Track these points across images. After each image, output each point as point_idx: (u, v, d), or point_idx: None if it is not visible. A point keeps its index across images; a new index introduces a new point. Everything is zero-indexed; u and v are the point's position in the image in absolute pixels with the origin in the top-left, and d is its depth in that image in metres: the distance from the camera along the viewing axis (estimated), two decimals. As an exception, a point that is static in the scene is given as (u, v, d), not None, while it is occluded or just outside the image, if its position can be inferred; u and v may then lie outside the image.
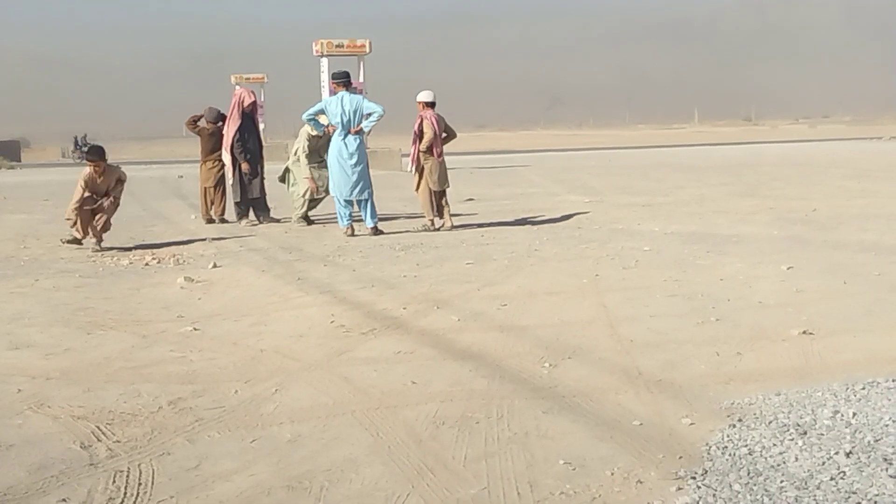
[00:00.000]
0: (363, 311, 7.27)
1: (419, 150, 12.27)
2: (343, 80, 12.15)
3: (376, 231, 12.00)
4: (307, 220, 13.41)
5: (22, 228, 13.67)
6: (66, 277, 9.26)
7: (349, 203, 12.13)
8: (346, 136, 11.89)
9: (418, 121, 12.24)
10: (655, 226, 12.27)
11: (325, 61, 25.93)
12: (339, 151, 11.93)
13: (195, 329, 6.85)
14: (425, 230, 12.12)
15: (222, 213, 14.16)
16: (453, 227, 12.17)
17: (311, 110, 12.22)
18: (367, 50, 26.88)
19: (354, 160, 11.90)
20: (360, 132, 11.96)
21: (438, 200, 12.36)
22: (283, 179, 13.89)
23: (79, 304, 7.91)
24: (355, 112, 11.86)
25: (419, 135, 12.18)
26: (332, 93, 12.42)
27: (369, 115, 11.88)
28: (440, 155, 12.22)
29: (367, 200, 12.06)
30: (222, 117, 14.33)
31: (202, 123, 14.25)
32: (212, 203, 14.19)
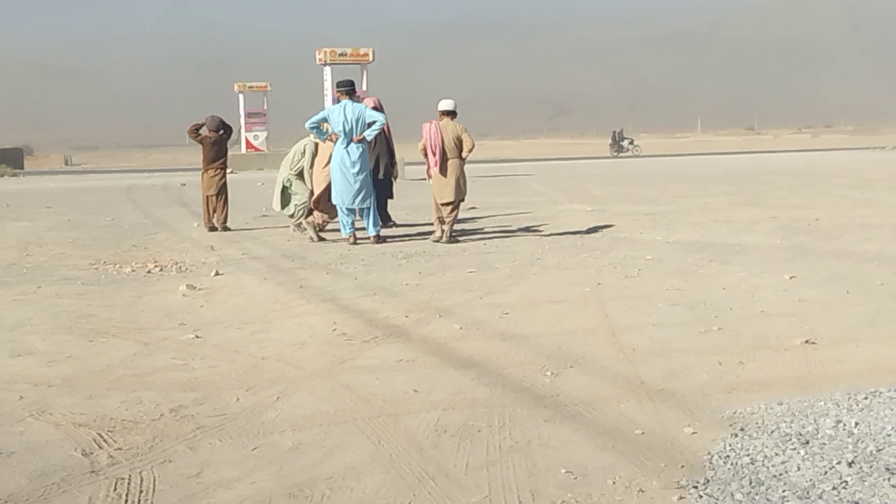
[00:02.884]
0: (365, 320, 7.27)
1: (426, 161, 12.24)
2: (347, 89, 12.14)
3: (379, 239, 12.00)
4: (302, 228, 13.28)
5: (25, 236, 13.68)
6: (69, 285, 9.26)
7: (351, 211, 12.13)
8: (348, 144, 11.89)
9: (423, 130, 12.19)
10: (658, 235, 12.26)
11: (328, 70, 25.94)
12: (342, 160, 11.93)
13: (197, 337, 6.86)
14: (434, 238, 12.02)
15: (224, 221, 14.17)
16: (448, 241, 11.88)
17: (314, 119, 12.22)
18: (371, 58, 26.90)
19: (357, 168, 11.90)
20: (362, 141, 11.97)
21: (441, 211, 12.11)
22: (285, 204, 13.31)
23: (81, 311, 7.91)
24: (357, 120, 11.86)
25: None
26: (336, 101, 12.43)
27: (371, 123, 11.89)
28: (437, 165, 11.94)
29: (369, 209, 12.07)
30: (224, 125, 14.35)
31: (204, 132, 14.25)
32: (214, 211, 14.20)
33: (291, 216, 13.15)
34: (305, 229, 12.91)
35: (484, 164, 39.27)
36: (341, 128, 11.85)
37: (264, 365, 6.04)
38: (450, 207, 12.08)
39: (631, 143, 52.31)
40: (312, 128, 12.33)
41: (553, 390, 5.30)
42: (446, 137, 11.97)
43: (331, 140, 12.33)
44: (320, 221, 12.95)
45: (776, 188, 20.85)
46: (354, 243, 11.87)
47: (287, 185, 13.05)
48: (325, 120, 12.14)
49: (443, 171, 12.00)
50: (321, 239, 12.43)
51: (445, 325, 7.01)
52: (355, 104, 12.07)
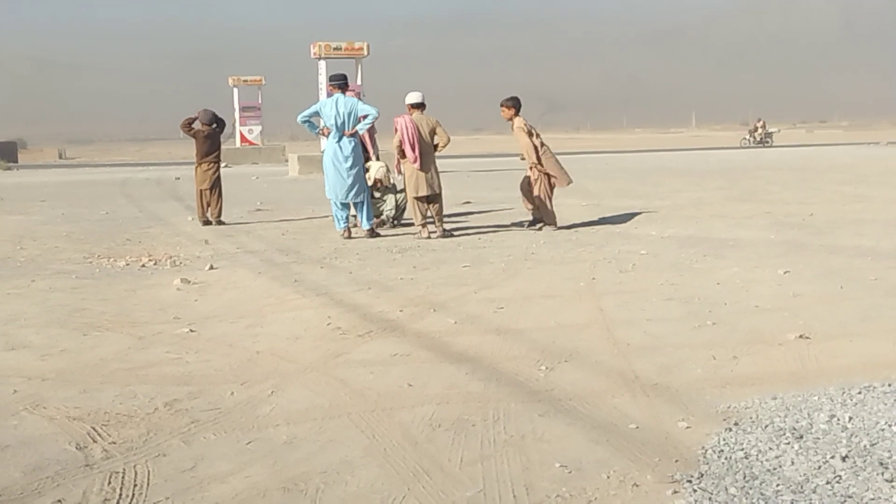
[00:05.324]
0: (360, 314, 7.26)
1: (397, 156, 12.09)
2: (339, 83, 12.08)
3: (372, 233, 11.98)
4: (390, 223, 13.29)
5: (18, 229, 13.65)
6: (63, 279, 9.25)
7: (345, 206, 12.12)
8: (340, 138, 11.85)
9: (394, 124, 12.02)
10: (652, 229, 12.26)
11: (322, 64, 25.88)
12: (335, 154, 11.90)
13: (191, 331, 6.85)
14: (417, 237, 11.89)
15: (219, 215, 14.15)
16: (443, 235, 11.84)
17: (306, 112, 12.18)
18: (365, 52, 26.82)
19: (350, 163, 11.87)
20: (354, 135, 11.92)
21: (428, 206, 12.04)
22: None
23: (75, 305, 7.90)
24: (350, 114, 11.83)
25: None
26: (328, 95, 12.38)
27: (364, 117, 11.85)
28: (415, 160, 11.78)
29: (362, 203, 12.05)
30: (217, 119, 14.31)
31: (197, 125, 14.21)
32: (208, 205, 14.19)
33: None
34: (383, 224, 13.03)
35: (479, 159, 39.30)
36: (333, 122, 11.81)
37: (258, 359, 6.03)
38: (436, 203, 12.04)
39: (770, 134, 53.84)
40: (304, 122, 12.29)
41: (547, 385, 5.30)
42: (422, 131, 11.85)
43: (323, 134, 12.30)
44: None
45: (770, 183, 20.87)
46: (349, 238, 11.86)
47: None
48: (317, 114, 12.10)
49: (422, 165, 11.86)
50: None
51: (440, 320, 7.00)
52: (347, 98, 12.04)
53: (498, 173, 27.94)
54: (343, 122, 11.82)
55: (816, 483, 3.78)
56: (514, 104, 12.49)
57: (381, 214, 13.12)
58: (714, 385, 5.24)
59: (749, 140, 53.45)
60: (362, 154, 12.24)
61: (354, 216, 12.69)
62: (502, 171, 29.55)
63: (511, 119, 12.48)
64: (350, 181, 11.88)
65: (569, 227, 12.68)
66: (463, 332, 6.64)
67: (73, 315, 7.48)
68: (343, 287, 8.45)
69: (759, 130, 53.52)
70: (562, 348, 6.09)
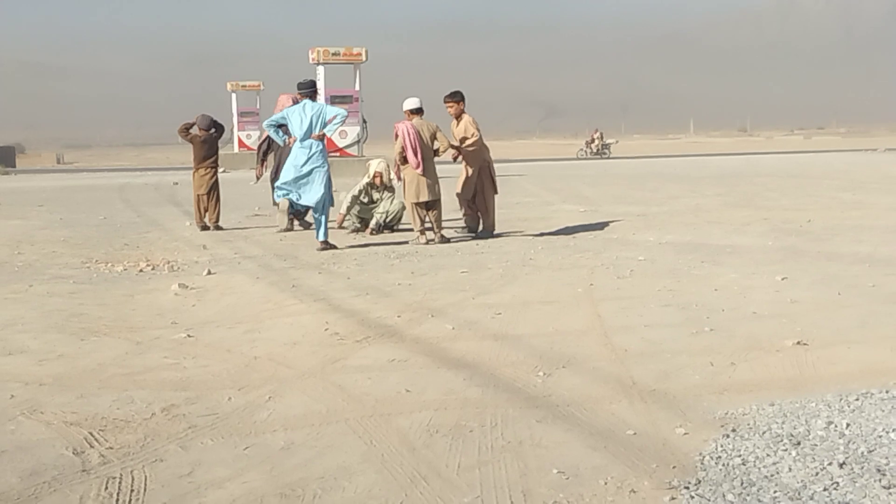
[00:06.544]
0: (357, 319, 7.26)
1: (397, 162, 12.03)
2: (307, 91, 11.93)
3: (326, 246, 11.55)
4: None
5: (16, 234, 13.64)
6: (60, 283, 9.24)
7: (296, 207, 11.77)
8: (304, 140, 11.52)
9: (395, 130, 11.94)
10: (650, 235, 12.27)
11: (321, 69, 25.89)
12: (296, 157, 11.50)
13: (189, 336, 6.84)
14: (415, 242, 11.88)
15: (216, 220, 14.15)
16: (441, 241, 11.81)
17: (274, 118, 11.92)
18: (364, 58, 26.82)
19: (307, 168, 11.44)
20: (322, 138, 11.70)
21: (427, 213, 11.99)
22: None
23: (73, 310, 7.89)
24: (318, 116, 11.59)
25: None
26: (295, 102, 12.10)
27: (333, 118, 11.61)
28: (418, 166, 11.71)
29: (320, 217, 11.70)
30: (215, 124, 14.31)
31: (194, 131, 14.21)
32: (206, 210, 14.18)
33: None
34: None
35: (477, 165, 39.19)
36: (299, 127, 11.52)
37: (256, 364, 6.03)
38: (436, 209, 11.99)
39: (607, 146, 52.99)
40: (270, 126, 12.02)
41: (545, 391, 5.30)
42: (423, 136, 11.77)
43: (288, 143, 12.02)
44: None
45: (768, 189, 20.88)
46: (289, 229, 11.52)
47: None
48: (284, 121, 11.76)
49: (424, 170, 11.78)
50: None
51: (438, 325, 7.00)
52: (315, 103, 11.81)
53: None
54: (310, 126, 11.53)
55: (814, 490, 3.78)
56: (462, 98, 12.54)
57: (368, 221, 13.10)
58: (712, 391, 5.24)
59: (586, 151, 52.58)
60: (327, 162, 11.80)
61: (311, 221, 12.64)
62: (500, 176, 29.52)
63: (460, 114, 12.47)
64: (306, 185, 11.52)
65: (567, 234, 12.70)
66: (461, 337, 6.64)
67: (71, 320, 7.48)
68: (341, 292, 8.45)
69: (597, 142, 52.74)
70: (560, 354, 6.09)
